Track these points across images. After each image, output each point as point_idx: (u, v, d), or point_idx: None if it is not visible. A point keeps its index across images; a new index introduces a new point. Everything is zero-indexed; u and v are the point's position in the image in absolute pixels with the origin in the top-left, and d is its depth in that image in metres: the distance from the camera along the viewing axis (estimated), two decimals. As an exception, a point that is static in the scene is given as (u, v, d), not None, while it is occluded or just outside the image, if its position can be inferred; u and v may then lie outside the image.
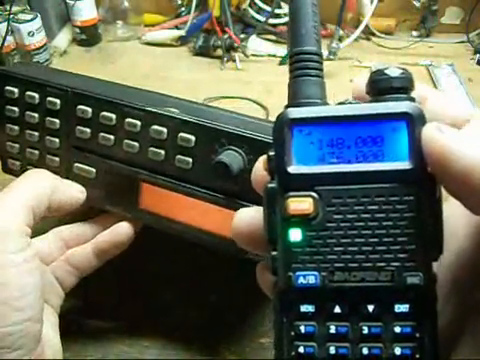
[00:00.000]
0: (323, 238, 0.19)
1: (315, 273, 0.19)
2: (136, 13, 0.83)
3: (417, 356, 0.18)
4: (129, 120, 0.32)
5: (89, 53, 0.80)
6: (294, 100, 0.20)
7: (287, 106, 0.20)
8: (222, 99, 0.66)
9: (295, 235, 0.19)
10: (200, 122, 0.29)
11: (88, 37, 0.81)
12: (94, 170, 0.34)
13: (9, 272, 0.24)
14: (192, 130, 0.30)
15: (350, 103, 0.20)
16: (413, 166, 0.18)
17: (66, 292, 0.34)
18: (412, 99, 0.19)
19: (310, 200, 0.19)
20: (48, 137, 0.35)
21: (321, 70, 0.20)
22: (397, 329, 0.18)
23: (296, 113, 0.19)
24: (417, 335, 0.18)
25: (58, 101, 0.34)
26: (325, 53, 0.73)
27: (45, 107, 0.35)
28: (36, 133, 0.36)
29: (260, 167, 0.21)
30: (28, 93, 0.35)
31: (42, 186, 0.30)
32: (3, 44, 0.68)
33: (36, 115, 0.35)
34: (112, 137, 0.33)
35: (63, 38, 0.81)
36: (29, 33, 0.71)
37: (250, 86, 0.69)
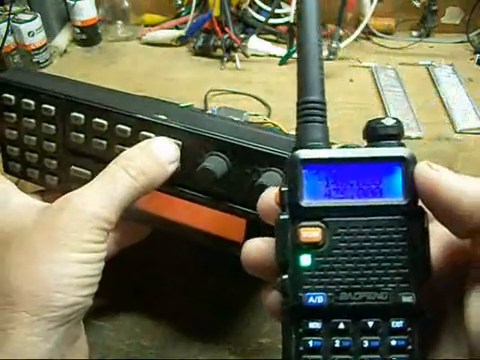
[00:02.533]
0: (330, 263, 0.21)
1: (323, 293, 0.21)
2: (136, 13, 0.83)
3: None
4: (120, 126, 0.33)
5: (89, 53, 0.80)
6: (302, 143, 0.23)
7: (295, 148, 0.22)
8: (227, 94, 0.66)
9: (305, 260, 0.21)
10: (186, 129, 0.31)
11: (88, 37, 0.81)
12: (90, 173, 0.35)
13: (92, 256, 0.27)
14: (179, 136, 0.31)
15: (352, 147, 0.23)
16: (406, 201, 0.21)
17: None
18: (403, 145, 0.22)
19: (319, 229, 0.21)
20: (45, 142, 0.37)
21: (325, 117, 0.23)
22: (393, 342, 0.21)
23: (306, 154, 0.22)
24: (409, 347, 0.21)
25: (53, 108, 0.35)
26: (325, 53, 0.73)
27: (41, 114, 0.35)
28: (34, 138, 0.37)
29: (267, 200, 0.24)
30: (24, 100, 0.36)
31: (142, 190, 0.29)
32: (3, 44, 0.68)
33: (33, 121, 0.36)
34: (105, 142, 0.34)
35: (63, 38, 0.81)
36: (29, 33, 0.71)
37: (250, 86, 0.69)
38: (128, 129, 0.32)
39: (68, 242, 0.26)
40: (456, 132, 0.61)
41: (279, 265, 0.22)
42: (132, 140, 0.32)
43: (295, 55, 0.75)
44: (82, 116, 0.34)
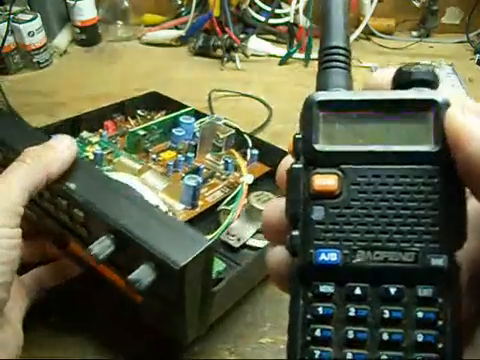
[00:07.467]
0: (346, 216, 0.18)
1: (337, 251, 0.18)
2: (136, 13, 0.84)
3: (439, 345, 0.17)
4: None
5: (89, 53, 0.80)
6: (322, 88, 0.20)
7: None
8: (227, 94, 0.66)
9: (318, 212, 0.19)
10: (83, 204, 0.31)
11: (88, 37, 0.81)
12: (35, 216, 0.36)
13: None
14: (81, 209, 0.31)
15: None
16: (437, 150, 0.18)
17: (30, 297, 0.34)
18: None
19: (335, 177, 0.18)
20: None
21: (349, 64, 0.21)
22: (419, 314, 0.17)
23: (324, 96, 0.19)
24: (440, 323, 0.17)
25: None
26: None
27: None
28: None
29: (284, 167, 0.20)
30: None
31: (39, 171, 0.30)
32: (3, 44, 0.68)
33: None
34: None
35: (63, 38, 0.81)
36: (29, 33, 0.71)
37: (250, 86, 0.69)
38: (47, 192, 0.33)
39: None
40: (456, 132, 0.61)
41: (289, 219, 0.19)
42: (54, 200, 0.33)
43: (295, 55, 0.76)
44: None
